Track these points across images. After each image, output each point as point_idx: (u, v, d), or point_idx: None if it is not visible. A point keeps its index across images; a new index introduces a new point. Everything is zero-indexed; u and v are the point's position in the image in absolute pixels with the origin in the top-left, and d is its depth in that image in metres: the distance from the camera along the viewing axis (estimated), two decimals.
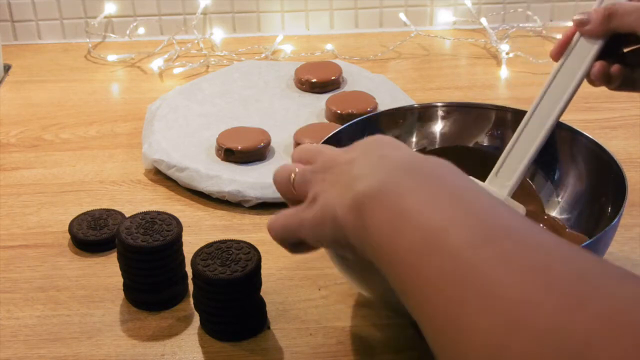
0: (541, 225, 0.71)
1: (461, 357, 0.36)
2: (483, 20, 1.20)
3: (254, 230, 0.80)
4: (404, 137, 0.78)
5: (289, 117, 0.97)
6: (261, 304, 0.68)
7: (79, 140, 0.97)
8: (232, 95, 1.02)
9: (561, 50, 0.64)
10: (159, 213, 0.70)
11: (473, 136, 0.78)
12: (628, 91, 0.64)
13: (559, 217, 0.73)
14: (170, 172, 0.87)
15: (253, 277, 0.65)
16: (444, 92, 1.06)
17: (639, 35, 0.60)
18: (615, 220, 0.60)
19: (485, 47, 1.18)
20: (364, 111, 0.93)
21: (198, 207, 0.84)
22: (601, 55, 0.62)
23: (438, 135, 0.78)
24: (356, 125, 0.76)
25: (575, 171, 0.73)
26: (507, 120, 0.76)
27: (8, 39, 1.21)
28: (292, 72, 1.06)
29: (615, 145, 0.90)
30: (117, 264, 0.70)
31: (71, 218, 0.80)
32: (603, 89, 0.65)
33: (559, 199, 0.73)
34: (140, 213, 0.70)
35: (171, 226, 0.69)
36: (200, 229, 0.80)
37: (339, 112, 0.94)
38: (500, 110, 0.77)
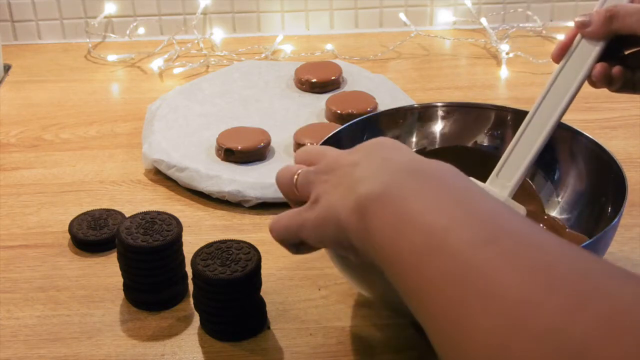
0: (541, 225, 0.71)
1: (463, 357, 0.36)
2: (483, 20, 1.20)
3: (254, 230, 0.80)
4: (404, 137, 0.78)
5: (289, 117, 0.97)
6: (261, 304, 0.68)
7: (79, 140, 0.97)
8: (232, 95, 1.02)
9: (562, 52, 0.64)
10: (159, 213, 0.70)
11: (473, 136, 0.78)
12: (629, 93, 0.64)
13: (559, 217, 0.73)
14: (170, 172, 0.87)
15: (253, 277, 0.65)
16: (444, 92, 1.06)
17: None
18: (615, 220, 0.60)
19: (485, 47, 1.18)
20: (364, 111, 0.93)
21: (198, 207, 0.84)
22: (602, 57, 0.62)
23: (438, 135, 0.79)
24: (356, 125, 0.76)
25: (575, 171, 0.73)
26: (507, 120, 0.76)
27: (8, 39, 1.21)
28: (292, 72, 1.06)
29: (615, 145, 0.90)
30: (117, 264, 0.70)
31: (71, 218, 0.80)
32: (603, 89, 0.65)
33: (559, 199, 0.73)
34: (140, 213, 0.70)
35: (171, 226, 0.69)
36: (200, 229, 0.80)
37: (339, 112, 0.94)
38: (500, 110, 0.77)
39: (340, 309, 0.70)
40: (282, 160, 0.88)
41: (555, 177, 0.74)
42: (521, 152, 0.64)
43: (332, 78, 1.03)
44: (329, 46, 1.17)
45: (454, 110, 0.78)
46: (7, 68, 1.15)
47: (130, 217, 0.70)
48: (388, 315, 0.69)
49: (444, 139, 0.78)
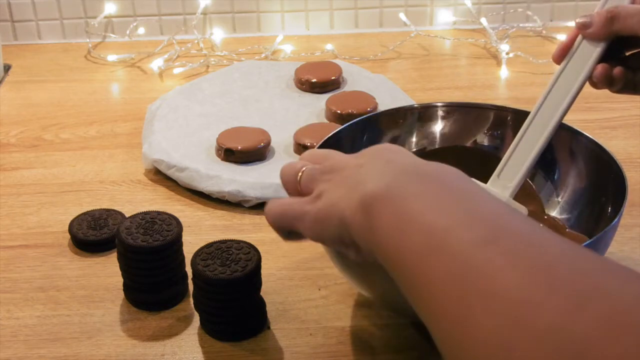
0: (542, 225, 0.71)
1: (465, 356, 0.36)
2: (483, 20, 1.20)
3: (254, 230, 0.80)
4: (404, 137, 0.78)
5: (289, 117, 0.97)
6: (261, 304, 0.68)
7: (79, 140, 0.97)
8: (232, 95, 1.02)
9: (563, 53, 0.64)
10: (159, 213, 0.70)
11: (473, 136, 0.78)
12: (630, 94, 0.64)
13: (559, 217, 0.73)
14: (170, 172, 0.87)
15: (253, 277, 0.65)
16: (444, 92, 1.06)
17: None
18: (615, 220, 0.60)
19: (485, 47, 1.18)
20: (364, 111, 0.93)
21: (198, 207, 0.84)
22: (603, 58, 0.63)
23: (438, 135, 0.79)
24: (356, 125, 0.76)
25: (575, 171, 0.73)
26: (507, 120, 0.76)
27: (8, 39, 1.21)
28: (292, 72, 1.06)
29: (615, 145, 0.90)
30: (117, 264, 0.70)
31: (71, 218, 0.80)
32: (604, 90, 0.65)
33: (559, 199, 0.73)
34: (140, 213, 0.70)
35: (171, 226, 0.69)
36: (200, 229, 0.80)
37: (339, 112, 0.94)
38: (500, 110, 0.77)
39: (340, 309, 0.70)
40: (282, 160, 0.88)
41: (555, 177, 0.74)
42: (522, 153, 0.64)
43: (332, 78, 1.03)
44: (329, 46, 1.17)
45: (454, 110, 0.78)
46: (7, 68, 1.15)
47: (130, 217, 0.70)
48: (388, 315, 0.69)
49: (444, 139, 0.78)
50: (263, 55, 1.16)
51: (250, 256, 0.66)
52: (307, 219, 0.50)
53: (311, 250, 0.76)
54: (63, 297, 0.72)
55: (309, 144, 0.87)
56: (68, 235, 0.79)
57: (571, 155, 0.73)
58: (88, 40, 1.21)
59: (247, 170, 0.86)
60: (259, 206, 0.83)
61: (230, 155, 0.88)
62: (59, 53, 1.19)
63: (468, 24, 1.23)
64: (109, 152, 0.94)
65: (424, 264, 0.40)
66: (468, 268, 0.37)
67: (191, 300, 0.69)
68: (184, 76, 1.11)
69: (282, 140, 0.91)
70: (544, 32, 1.21)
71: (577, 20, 0.63)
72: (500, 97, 1.06)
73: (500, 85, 1.09)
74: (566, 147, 0.73)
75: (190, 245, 0.69)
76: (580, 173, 0.72)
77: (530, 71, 1.11)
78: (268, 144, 0.89)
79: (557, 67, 0.64)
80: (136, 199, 0.85)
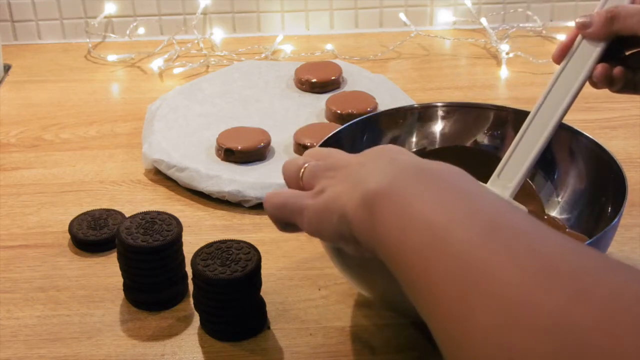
0: None
1: (465, 351, 0.36)
2: (483, 20, 1.20)
3: (254, 230, 0.80)
4: (404, 137, 0.78)
5: (289, 117, 0.97)
6: (261, 304, 0.68)
7: (79, 140, 0.97)
8: (232, 95, 1.02)
9: (563, 53, 0.64)
10: (159, 213, 0.70)
11: (473, 136, 0.78)
12: (630, 94, 0.64)
13: (559, 217, 0.73)
14: (170, 172, 0.87)
15: (253, 277, 0.65)
16: (444, 92, 1.06)
17: None
18: (615, 220, 0.60)
19: (485, 47, 1.18)
20: (364, 111, 0.93)
21: (198, 207, 0.84)
22: (603, 58, 0.63)
23: (438, 135, 0.79)
24: (356, 125, 0.76)
25: (575, 171, 0.73)
26: (507, 120, 0.76)
27: (8, 39, 1.21)
28: (292, 72, 1.06)
29: (615, 145, 0.90)
30: (117, 264, 0.70)
31: (71, 218, 0.80)
32: (604, 89, 0.65)
33: (559, 199, 0.73)
34: (140, 213, 0.70)
35: (171, 226, 0.69)
36: (200, 229, 0.80)
37: (339, 112, 0.94)
38: (500, 110, 0.77)
39: (340, 309, 0.70)
40: (282, 160, 0.88)
41: (555, 177, 0.74)
42: (522, 153, 0.64)
43: (332, 78, 1.03)
44: (329, 46, 1.17)
45: (454, 110, 0.78)
46: (7, 68, 1.15)
47: (130, 217, 0.70)
48: (388, 315, 0.69)
49: (444, 139, 0.78)
50: (263, 55, 1.16)
51: (250, 256, 0.66)
52: (307, 214, 0.51)
53: (311, 250, 0.76)
54: (63, 297, 0.72)
55: (309, 144, 0.87)
56: (68, 235, 0.79)
57: (571, 155, 0.73)
58: (88, 40, 1.21)
59: (247, 170, 0.86)
60: (259, 206, 0.83)
61: (230, 155, 0.88)
62: (59, 53, 1.19)
63: (468, 24, 1.23)
64: (109, 152, 0.94)
65: (424, 260, 0.40)
66: (468, 264, 0.38)
67: (191, 300, 0.69)
68: (184, 76, 1.11)
69: (282, 140, 0.91)
70: (544, 32, 1.21)
71: (577, 20, 0.63)
72: (500, 97, 1.06)
73: (500, 85, 1.09)
74: (566, 147, 0.73)
75: (190, 245, 0.69)
76: (580, 173, 0.72)
77: (530, 71, 1.11)
78: (268, 144, 0.89)
79: (557, 67, 0.64)
80: (136, 199, 0.85)
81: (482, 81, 1.09)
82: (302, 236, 0.76)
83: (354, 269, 0.62)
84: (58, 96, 1.07)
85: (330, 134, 0.73)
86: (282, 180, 0.56)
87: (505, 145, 0.74)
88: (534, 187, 0.74)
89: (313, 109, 0.98)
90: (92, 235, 0.78)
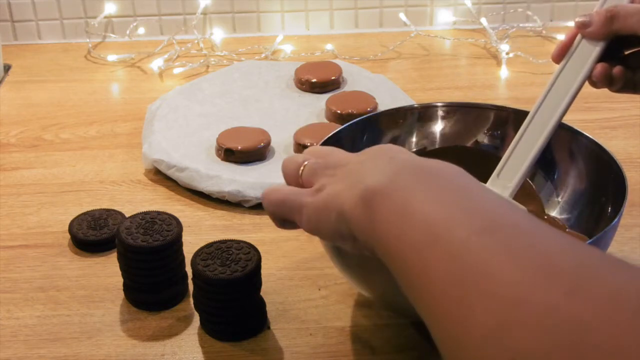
0: None
1: (462, 346, 0.36)
2: (483, 20, 1.20)
3: (254, 230, 0.80)
4: (404, 137, 0.78)
5: (289, 117, 0.97)
6: (261, 304, 0.68)
7: (79, 140, 0.97)
8: (232, 95, 1.02)
9: (562, 53, 0.64)
10: (159, 213, 0.70)
11: (473, 136, 0.78)
12: (629, 93, 0.64)
13: (559, 217, 0.73)
14: (170, 172, 0.87)
15: (253, 277, 0.65)
16: (444, 92, 1.06)
17: None
18: (615, 220, 0.60)
19: (485, 47, 1.18)
20: (364, 111, 0.93)
21: (198, 207, 0.84)
22: (603, 57, 0.62)
23: (438, 135, 0.79)
24: (356, 125, 0.76)
25: (575, 171, 0.73)
26: (507, 120, 0.76)
27: (8, 39, 1.21)
28: (292, 72, 1.06)
29: (615, 145, 0.90)
30: (117, 264, 0.70)
31: (71, 218, 0.80)
32: (603, 89, 0.65)
33: (559, 199, 0.73)
34: (140, 213, 0.70)
35: (171, 226, 0.69)
36: (200, 229, 0.80)
37: (339, 112, 0.94)
38: (500, 110, 0.77)
39: (340, 309, 0.70)
40: (282, 160, 0.88)
41: (555, 177, 0.74)
42: (522, 152, 0.64)
43: (332, 78, 1.03)
44: (329, 46, 1.17)
45: (454, 110, 0.78)
46: (7, 68, 1.15)
47: (130, 217, 0.70)
48: (388, 315, 0.69)
49: (444, 139, 0.78)
50: (263, 55, 1.16)
51: (250, 256, 0.66)
52: (306, 212, 0.51)
53: (311, 250, 0.76)
54: (63, 297, 0.72)
55: (309, 144, 0.87)
56: (68, 235, 0.79)
57: (571, 155, 0.73)
58: (88, 40, 1.21)
59: (247, 170, 0.86)
60: (259, 206, 0.83)
61: (230, 155, 0.88)
62: (59, 53, 1.19)
63: (468, 24, 1.23)
64: (109, 152, 0.94)
65: (423, 259, 0.40)
66: (467, 263, 0.37)
67: (191, 300, 0.69)
68: (184, 76, 1.11)
69: (282, 140, 0.91)
70: (544, 32, 1.21)
71: (577, 20, 0.63)
72: (500, 97, 1.06)
73: (500, 85, 1.09)
74: (566, 147, 0.73)
75: (190, 245, 0.69)
76: (580, 173, 0.72)
77: (530, 71, 1.11)
78: (268, 144, 0.89)
79: (557, 67, 0.64)
80: (136, 199, 0.85)
81: (482, 81, 1.09)
82: (302, 236, 0.77)
83: (354, 269, 0.62)
84: (58, 96, 1.07)
85: (330, 134, 0.73)
86: (282, 181, 0.56)
87: (505, 145, 0.74)
88: (534, 187, 0.74)
89: (313, 109, 0.98)
90: (92, 235, 0.78)
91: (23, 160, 0.93)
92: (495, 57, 1.15)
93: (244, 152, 0.87)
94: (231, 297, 0.65)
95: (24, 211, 0.84)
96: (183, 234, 0.69)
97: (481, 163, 0.69)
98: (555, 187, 0.74)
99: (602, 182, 0.69)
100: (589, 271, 0.35)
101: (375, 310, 0.70)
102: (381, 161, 0.48)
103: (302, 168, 0.53)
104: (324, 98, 0.99)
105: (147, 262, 0.68)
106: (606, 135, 0.94)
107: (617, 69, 0.62)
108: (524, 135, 0.64)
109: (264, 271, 0.67)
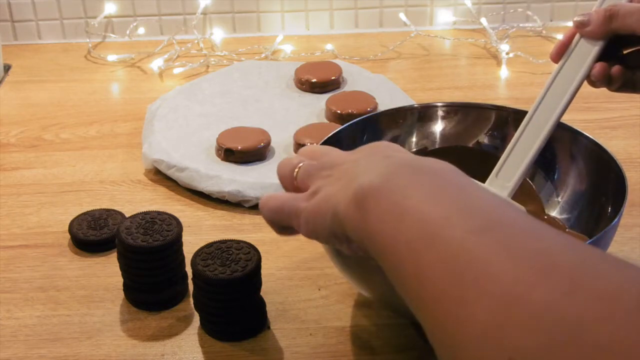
0: None
1: (457, 344, 0.36)
2: (483, 20, 1.20)
3: (254, 230, 0.80)
4: (404, 137, 0.78)
5: (289, 117, 0.97)
6: (261, 304, 0.68)
7: (79, 140, 0.97)
8: (232, 95, 1.02)
9: (561, 52, 0.64)
10: (159, 213, 0.70)
11: (473, 136, 0.78)
12: (629, 92, 0.64)
13: (559, 217, 0.73)
14: (170, 172, 0.87)
15: (253, 277, 0.65)
16: (444, 92, 1.06)
17: None
18: (615, 220, 0.60)
19: (485, 47, 1.18)
20: (364, 111, 0.93)
21: (198, 207, 0.84)
22: (602, 57, 0.62)
23: (438, 135, 0.79)
24: (356, 125, 0.76)
25: (575, 171, 0.73)
26: (507, 120, 0.76)
27: (8, 39, 1.21)
28: (292, 72, 1.06)
29: (615, 145, 0.90)
30: (117, 264, 0.70)
31: (71, 218, 0.80)
32: (603, 89, 0.65)
33: (559, 199, 0.73)
34: (140, 213, 0.70)
35: (171, 226, 0.69)
36: (200, 229, 0.80)
37: (339, 112, 0.94)
38: (500, 110, 0.77)
39: (340, 309, 0.70)
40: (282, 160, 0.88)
41: (555, 177, 0.74)
42: (520, 152, 0.64)
43: (332, 78, 1.03)
44: (329, 46, 1.17)
45: (454, 110, 0.78)
46: (7, 68, 1.15)
47: (130, 217, 0.70)
48: (388, 315, 0.69)
49: (444, 139, 0.78)
50: (263, 55, 1.16)
51: (250, 256, 0.66)
52: (303, 216, 0.50)
53: (311, 250, 0.76)
54: (63, 297, 0.72)
55: (309, 144, 0.87)
56: (68, 235, 0.79)
57: (571, 155, 0.73)
58: (88, 40, 1.21)
59: (247, 170, 0.86)
60: (258, 206, 0.83)
61: (230, 155, 0.88)
62: (59, 53, 1.19)
63: (468, 24, 1.23)
64: (109, 152, 0.94)
65: (417, 254, 0.39)
66: (463, 261, 0.37)
67: (191, 300, 0.69)
68: (184, 76, 1.11)
69: (282, 140, 0.91)
70: (544, 32, 1.21)
71: (575, 19, 0.63)
72: (500, 97, 1.06)
73: (500, 85, 1.09)
74: (566, 147, 0.73)
75: (190, 245, 0.69)
76: (580, 173, 0.72)
77: (530, 71, 1.11)
78: (268, 144, 0.89)
79: (556, 67, 0.64)
80: (136, 199, 0.85)
81: (482, 81, 1.09)
82: (302, 236, 0.76)
83: (354, 269, 0.62)
84: (58, 96, 1.07)
85: (330, 134, 0.73)
86: None
87: (505, 145, 0.73)
88: (534, 187, 0.74)
89: (313, 109, 0.98)
90: (92, 235, 0.78)
91: (23, 160, 0.93)
92: (495, 57, 1.15)
93: (244, 152, 0.87)
94: (231, 297, 0.65)
95: (24, 211, 0.84)
96: (183, 234, 0.69)
97: (481, 163, 0.69)
98: (555, 187, 0.74)
99: (602, 182, 0.69)
100: (588, 270, 0.35)
101: (375, 310, 0.70)
102: (375, 159, 0.48)
103: (296, 170, 0.53)
104: (324, 98, 0.99)
105: (147, 262, 0.68)
106: (606, 135, 0.94)
107: (615, 69, 0.62)
108: (522, 135, 0.64)
109: (264, 271, 0.67)
